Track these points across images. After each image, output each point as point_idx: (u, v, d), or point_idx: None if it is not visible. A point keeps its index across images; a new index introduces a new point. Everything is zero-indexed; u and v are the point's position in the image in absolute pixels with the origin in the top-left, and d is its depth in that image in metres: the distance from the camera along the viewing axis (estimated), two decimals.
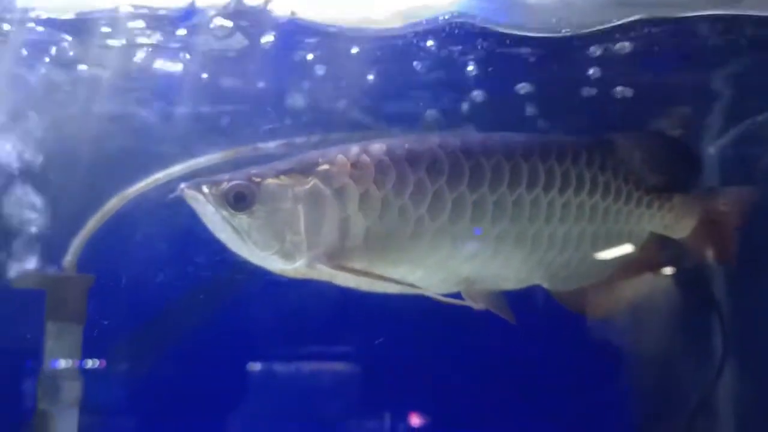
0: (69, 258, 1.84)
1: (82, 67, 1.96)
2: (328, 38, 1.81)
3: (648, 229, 1.59)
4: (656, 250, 1.62)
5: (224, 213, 1.37)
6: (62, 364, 1.77)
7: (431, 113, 2.09)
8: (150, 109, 2.15)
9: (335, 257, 1.39)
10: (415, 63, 1.92)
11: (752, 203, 1.67)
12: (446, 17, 1.73)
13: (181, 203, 1.42)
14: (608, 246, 1.56)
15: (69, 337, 1.79)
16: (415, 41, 1.82)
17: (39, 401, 1.75)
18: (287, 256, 1.38)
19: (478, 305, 1.48)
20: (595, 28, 1.74)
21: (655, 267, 1.68)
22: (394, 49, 1.85)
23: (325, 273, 1.40)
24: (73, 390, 1.76)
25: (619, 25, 1.74)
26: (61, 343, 1.78)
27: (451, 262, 1.44)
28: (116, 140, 2.16)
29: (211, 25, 1.74)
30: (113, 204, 1.87)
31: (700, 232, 1.62)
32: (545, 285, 1.53)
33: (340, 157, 1.40)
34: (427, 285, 1.45)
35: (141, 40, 1.86)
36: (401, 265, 1.42)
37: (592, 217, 1.52)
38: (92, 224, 1.86)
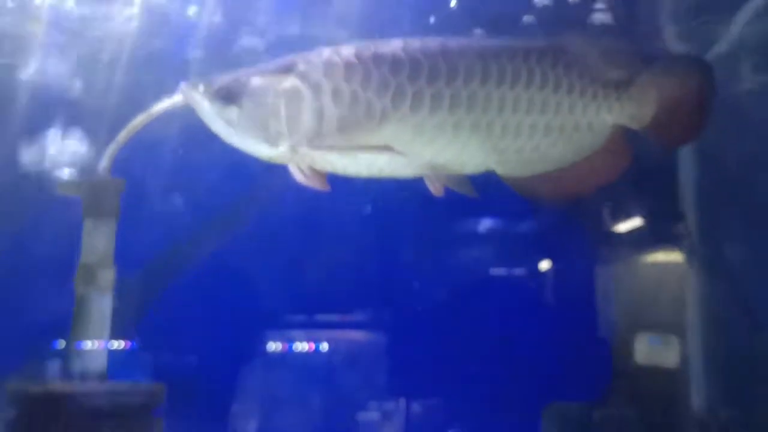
0: (103, 164, 2.13)
1: None
2: None
3: (611, 121, 1.74)
4: (619, 142, 1.77)
5: (217, 107, 1.64)
6: (98, 255, 2.07)
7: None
8: None
9: (313, 142, 1.64)
10: None
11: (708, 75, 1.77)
12: None
13: None
14: (563, 136, 1.74)
15: (104, 232, 2.08)
16: None
17: (77, 287, 2.05)
18: (272, 141, 1.64)
19: (437, 190, 1.71)
20: None
21: (619, 158, 1.80)
22: None
23: (306, 156, 1.66)
24: (107, 277, 2.06)
25: None
26: (97, 237, 2.07)
27: (414, 147, 1.66)
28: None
29: None
30: (141, 120, 2.15)
31: (660, 117, 1.74)
32: (499, 170, 1.74)
33: (315, 58, 1.65)
34: (393, 168, 1.70)
35: None
36: (371, 149, 1.66)
37: (544, 109, 1.70)
38: (122, 136, 2.14)
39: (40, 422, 1.91)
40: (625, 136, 1.76)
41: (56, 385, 1.98)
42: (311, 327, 2.83)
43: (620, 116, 1.74)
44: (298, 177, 1.71)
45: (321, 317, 2.84)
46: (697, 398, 2.34)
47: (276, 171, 1.73)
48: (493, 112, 1.68)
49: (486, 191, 1.74)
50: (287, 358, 2.82)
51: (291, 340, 2.83)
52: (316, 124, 1.63)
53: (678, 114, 1.76)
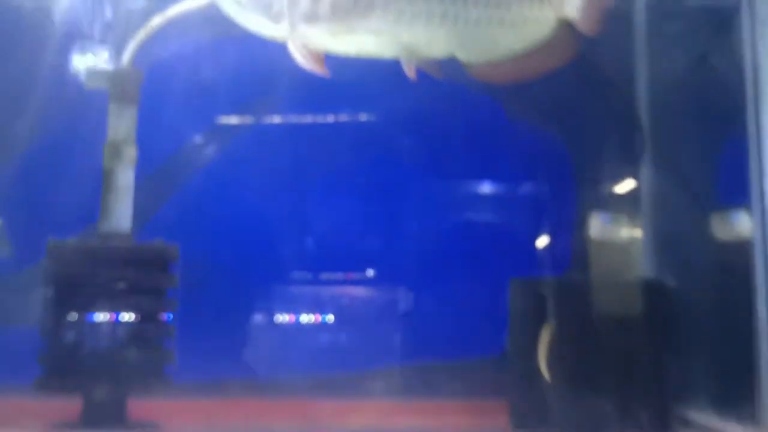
0: (125, 58, 2.43)
1: None
2: None
3: (553, 15, 2.03)
4: (563, 35, 2.06)
5: None
6: (122, 135, 2.38)
7: None
8: None
9: (310, 22, 1.95)
10: None
11: None
12: None
13: None
14: (514, 28, 2.03)
15: (126, 115, 2.39)
16: None
17: (105, 162, 2.37)
18: (274, 20, 1.95)
19: (411, 72, 2.02)
20: None
21: (563, 49, 2.09)
22: None
23: (303, 35, 1.96)
24: (130, 153, 2.38)
25: None
26: (121, 119, 2.39)
27: (395, 30, 1.97)
28: None
29: None
30: (157, 22, 2.45)
31: (587, 10, 2.03)
32: (460, 56, 2.03)
33: None
34: (378, 49, 2.01)
35: None
36: (358, 31, 1.97)
37: (498, 4, 2.00)
38: (142, 34, 2.44)
39: (77, 270, 2.24)
40: (569, 30, 2.05)
41: (90, 241, 2.31)
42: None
43: (559, 10, 2.03)
44: (297, 58, 2.01)
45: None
46: (645, 269, 2.68)
47: None
48: (459, 4, 1.99)
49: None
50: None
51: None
52: (312, 6, 1.94)
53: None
